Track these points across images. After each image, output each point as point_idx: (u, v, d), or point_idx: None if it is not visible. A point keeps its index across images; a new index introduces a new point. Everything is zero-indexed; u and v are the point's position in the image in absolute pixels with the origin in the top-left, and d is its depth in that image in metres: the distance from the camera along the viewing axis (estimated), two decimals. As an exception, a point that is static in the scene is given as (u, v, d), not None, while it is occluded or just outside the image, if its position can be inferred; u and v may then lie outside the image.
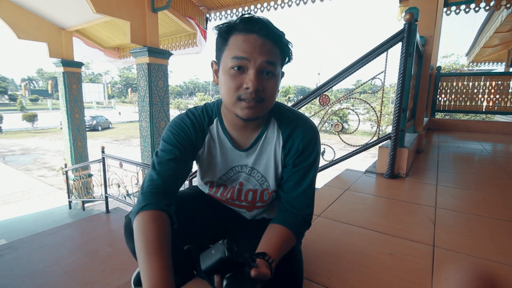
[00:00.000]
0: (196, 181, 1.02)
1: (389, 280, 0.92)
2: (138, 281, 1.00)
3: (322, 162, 2.27)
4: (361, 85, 2.06)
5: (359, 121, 2.24)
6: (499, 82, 4.68)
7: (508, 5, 4.63)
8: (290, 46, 0.74)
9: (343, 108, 2.57)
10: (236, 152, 0.85)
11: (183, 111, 0.88)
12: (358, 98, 2.28)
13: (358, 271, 0.98)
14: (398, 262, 1.03)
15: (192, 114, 0.84)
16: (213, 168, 0.88)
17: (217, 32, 0.73)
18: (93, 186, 6.13)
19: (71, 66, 6.37)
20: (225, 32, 0.71)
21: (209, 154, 0.86)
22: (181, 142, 0.80)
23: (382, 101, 2.07)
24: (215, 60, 0.77)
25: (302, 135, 0.81)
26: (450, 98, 5.02)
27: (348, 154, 2.19)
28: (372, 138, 2.12)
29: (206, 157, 0.86)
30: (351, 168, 2.29)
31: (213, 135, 0.84)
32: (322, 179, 1.95)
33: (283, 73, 0.79)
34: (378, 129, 2.11)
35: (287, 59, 0.76)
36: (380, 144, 2.14)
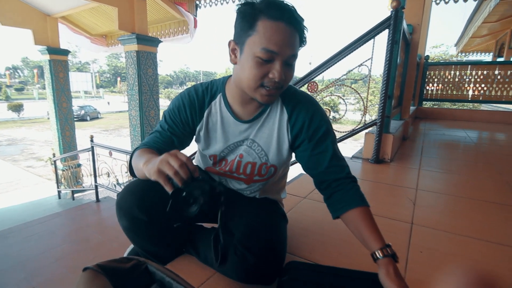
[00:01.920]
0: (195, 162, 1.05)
1: (366, 253, 0.97)
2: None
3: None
4: (348, 72, 2.09)
5: (346, 109, 2.28)
6: (485, 72, 4.78)
7: (495, -5, 4.70)
8: (306, 32, 0.75)
9: (333, 95, 2.60)
10: (238, 125, 0.87)
11: None
12: (349, 86, 2.31)
13: (339, 246, 1.03)
14: (377, 238, 1.09)
15: (195, 91, 0.88)
16: (215, 141, 0.90)
17: (240, 12, 0.73)
18: (82, 176, 6.09)
19: (57, 54, 6.21)
20: (250, 15, 0.70)
21: (207, 129, 0.89)
22: (173, 118, 0.87)
23: (368, 87, 2.11)
24: (234, 40, 0.76)
25: (306, 109, 0.84)
26: (438, 87, 5.10)
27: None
28: (359, 124, 2.17)
29: (205, 131, 0.89)
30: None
31: (213, 110, 0.87)
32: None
33: None
34: (364, 116, 2.16)
35: (302, 44, 0.76)
36: (366, 130, 2.19)
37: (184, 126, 0.87)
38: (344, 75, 2.13)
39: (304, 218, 1.24)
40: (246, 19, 0.71)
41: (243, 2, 0.72)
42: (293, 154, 0.94)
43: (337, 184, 0.81)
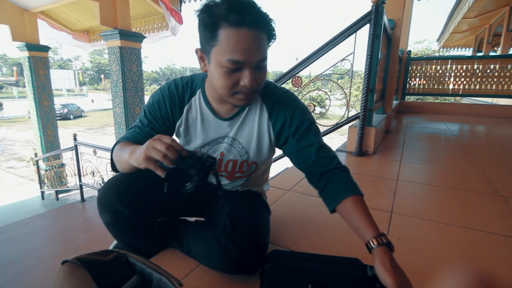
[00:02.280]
0: None
1: (347, 241, 1.01)
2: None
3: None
4: (332, 66, 2.12)
5: (330, 104, 2.32)
6: (464, 66, 4.93)
7: (474, -9, 4.84)
8: (274, 25, 0.71)
9: (320, 90, 2.62)
10: (218, 122, 0.86)
11: None
12: (334, 82, 2.34)
13: (321, 235, 1.06)
14: (358, 227, 1.13)
15: (176, 86, 0.86)
16: (195, 137, 0.89)
17: (200, 20, 0.69)
18: (66, 176, 5.95)
19: (37, 50, 6.02)
20: (211, 25, 0.66)
21: (187, 124, 0.88)
22: (153, 113, 0.86)
23: (351, 81, 2.15)
24: (200, 48, 0.74)
25: (286, 106, 0.84)
26: (420, 81, 5.23)
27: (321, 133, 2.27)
28: (343, 118, 2.21)
29: (184, 127, 0.88)
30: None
31: (193, 106, 0.86)
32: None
33: None
34: (347, 109, 2.20)
35: (272, 40, 0.74)
36: (350, 124, 2.23)
37: (164, 121, 0.86)
38: (328, 69, 2.16)
39: (287, 210, 1.26)
40: (208, 29, 0.67)
41: (202, 7, 0.68)
42: (277, 150, 0.95)
43: (327, 176, 0.80)
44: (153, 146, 0.62)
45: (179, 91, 0.86)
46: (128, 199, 0.79)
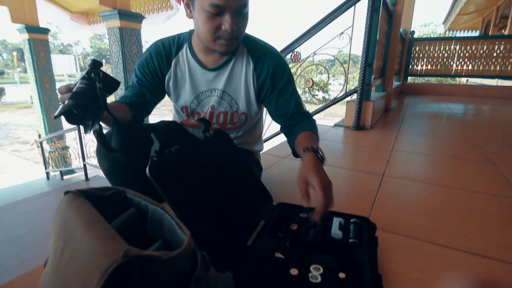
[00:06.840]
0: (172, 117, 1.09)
1: (340, 198, 1.05)
2: None
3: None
4: (330, 40, 2.12)
5: (328, 78, 2.32)
6: (468, 47, 4.86)
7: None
8: None
9: (321, 72, 2.62)
10: (205, 73, 0.90)
11: None
12: (337, 60, 2.32)
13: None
14: (349, 186, 1.17)
15: (162, 43, 0.90)
16: (184, 91, 0.93)
17: None
18: (70, 155, 6.05)
19: (37, 32, 5.99)
20: None
21: (176, 78, 0.92)
22: (142, 70, 0.90)
23: (349, 54, 2.15)
24: None
25: (270, 59, 0.89)
26: (423, 62, 5.17)
27: (318, 109, 2.29)
28: (340, 92, 2.22)
29: (173, 81, 0.92)
30: (321, 124, 2.41)
31: (181, 59, 0.91)
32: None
33: None
34: (345, 84, 2.21)
35: None
36: (347, 98, 2.25)
37: (153, 77, 0.90)
38: (326, 43, 2.15)
39: (282, 174, 1.31)
40: None
41: None
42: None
43: (295, 123, 0.90)
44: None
45: (166, 47, 0.90)
46: (126, 148, 0.83)
